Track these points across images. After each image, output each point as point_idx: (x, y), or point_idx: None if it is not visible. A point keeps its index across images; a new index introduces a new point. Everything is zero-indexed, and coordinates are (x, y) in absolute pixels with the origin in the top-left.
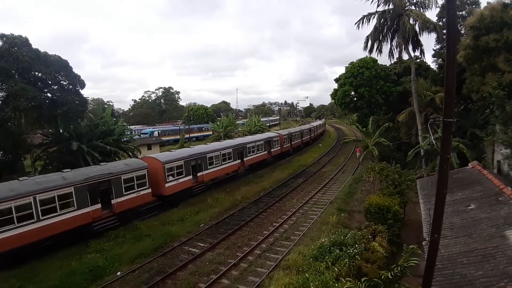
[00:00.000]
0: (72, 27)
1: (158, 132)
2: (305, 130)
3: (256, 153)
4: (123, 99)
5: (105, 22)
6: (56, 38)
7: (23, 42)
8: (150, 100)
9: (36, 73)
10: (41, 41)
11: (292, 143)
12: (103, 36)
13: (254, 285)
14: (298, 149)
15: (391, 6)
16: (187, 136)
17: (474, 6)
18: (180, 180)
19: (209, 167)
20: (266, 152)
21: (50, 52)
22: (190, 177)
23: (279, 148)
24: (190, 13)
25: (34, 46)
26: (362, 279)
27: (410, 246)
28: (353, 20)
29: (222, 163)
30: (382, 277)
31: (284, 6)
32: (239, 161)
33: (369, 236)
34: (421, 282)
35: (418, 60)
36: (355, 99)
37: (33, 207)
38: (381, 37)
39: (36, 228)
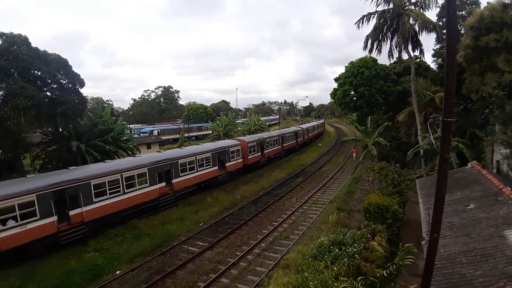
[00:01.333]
0: (73, 27)
1: (158, 131)
2: (288, 134)
3: (198, 171)
4: (123, 98)
5: (106, 22)
6: (56, 38)
7: (23, 41)
8: (149, 99)
9: (36, 71)
10: (41, 41)
11: (266, 152)
12: (103, 36)
13: (254, 284)
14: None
15: (391, 6)
16: (186, 135)
17: (474, 6)
18: (30, 226)
19: (95, 200)
20: (216, 168)
21: (51, 52)
22: (52, 219)
23: (240, 160)
24: (190, 13)
25: (34, 46)
26: (358, 278)
27: (406, 245)
28: (353, 21)
29: (127, 190)
30: (378, 275)
31: (284, 6)
32: (163, 184)
33: (368, 236)
34: (420, 281)
35: (417, 60)
36: (355, 98)
37: None
38: (380, 36)
39: None
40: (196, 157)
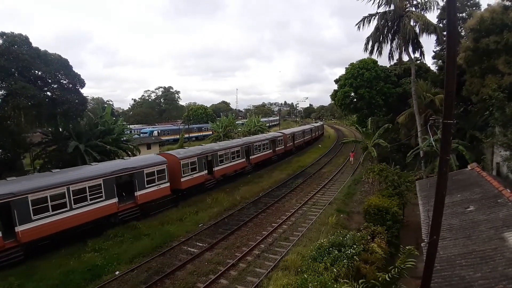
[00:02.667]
0: (73, 28)
1: (158, 132)
2: (260, 143)
3: (73, 209)
4: (123, 98)
5: (106, 22)
6: (57, 39)
7: (23, 41)
8: (150, 100)
9: (36, 71)
10: (42, 42)
11: (217, 169)
12: (104, 36)
13: (253, 285)
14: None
15: (391, 8)
16: (186, 136)
17: (474, 8)
18: None
19: None
20: (113, 200)
21: (51, 52)
22: None
23: (165, 186)
24: (191, 13)
25: (35, 46)
26: (360, 281)
27: (407, 247)
28: (352, 22)
29: None
30: (380, 279)
31: (284, 7)
32: None
33: (368, 237)
34: (419, 283)
35: (418, 62)
36: (355, 100)
37: None
38: (381, 38)
39: None
40: (69, 189)
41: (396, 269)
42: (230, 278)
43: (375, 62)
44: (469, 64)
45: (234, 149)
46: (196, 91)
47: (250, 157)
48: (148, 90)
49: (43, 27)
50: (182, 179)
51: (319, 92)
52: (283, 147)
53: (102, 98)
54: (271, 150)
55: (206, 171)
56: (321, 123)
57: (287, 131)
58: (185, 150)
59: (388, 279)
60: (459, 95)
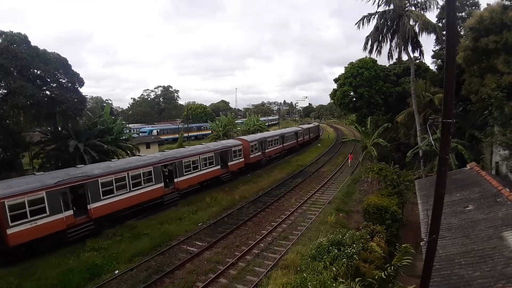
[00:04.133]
0: (73, 27)
1: (157, 131)
2: (195, 158)
3: None
4: (123, 97)
5: (106, 21)
6: (57, 38)
7: (22, 40)
8: (149, 99)
9: (35, 70)
10: (42, 42)
11: (100, 204)
12: (104, 36)
13: (252, 284)
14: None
15: (391, 7)
16: (186, 135)
17: (473, 7)
18: None
19: None
20: None
21: (51, 51)
22: None
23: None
24: (191, 14)
25: (34, 45)
26: (356, 280)
27: (403, 245)
28: (351, 23)
29: None
30: (376, 277)
31: (284, 8)
32: None
33: (367, 236)
34: (418, 282)
35: (417, 61)
36: (354, 99)
37: None
38: (380, 37)
39: None
40: None
41: (392, 267)
42: (230, 277)
43: (374, 61)
44: (469, 64)
45: (138, 171)
46: (195, 90)
47: (176, 180)
48: (147, 89)
49: (42, 26)
50: (10, 231)
51: (318, 92)
52: (242, 159)
53: (101, 97)
54: (218, 167)
55: (71, 212)
56: (316, 123)
57: (252, 137)
58: (27, 179)
59: (384, 276)
60: (458, 95)
